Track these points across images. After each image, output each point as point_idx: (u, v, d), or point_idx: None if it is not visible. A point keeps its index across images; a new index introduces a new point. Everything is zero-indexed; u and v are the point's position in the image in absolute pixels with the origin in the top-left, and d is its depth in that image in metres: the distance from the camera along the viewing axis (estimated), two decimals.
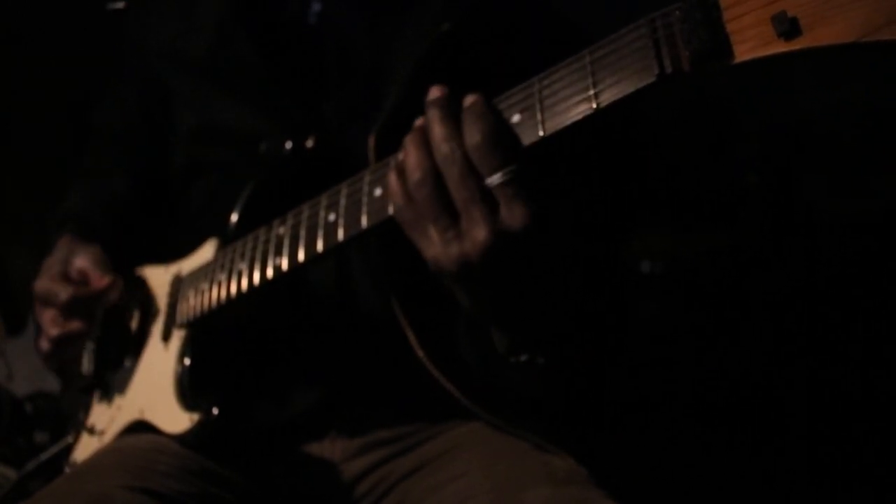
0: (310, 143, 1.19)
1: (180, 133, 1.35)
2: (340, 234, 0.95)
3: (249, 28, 1.28)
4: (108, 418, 1.28)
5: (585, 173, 1.09)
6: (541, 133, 0.76)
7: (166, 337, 1.23)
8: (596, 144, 0.99)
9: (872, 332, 1.41)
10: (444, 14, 1.16)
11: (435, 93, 0.84)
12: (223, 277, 1.13)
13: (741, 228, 1.32)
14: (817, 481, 1.42)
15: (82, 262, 1.30)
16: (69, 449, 1.35)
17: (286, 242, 1.04)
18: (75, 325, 1.27)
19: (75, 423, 1.36)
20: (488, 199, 0.77)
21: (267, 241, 1.07)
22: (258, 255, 1.08)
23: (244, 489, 1.13)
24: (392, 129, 1.09)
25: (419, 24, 1.18)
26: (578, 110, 0.72)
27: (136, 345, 1.29)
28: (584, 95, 0.72)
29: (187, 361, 1.18)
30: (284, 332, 1.22)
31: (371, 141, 1.08)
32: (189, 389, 1.16)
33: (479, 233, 0.77)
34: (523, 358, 0.90)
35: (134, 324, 1.31)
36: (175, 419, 1.15)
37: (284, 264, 1.03)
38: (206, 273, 1.19)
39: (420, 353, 1.06)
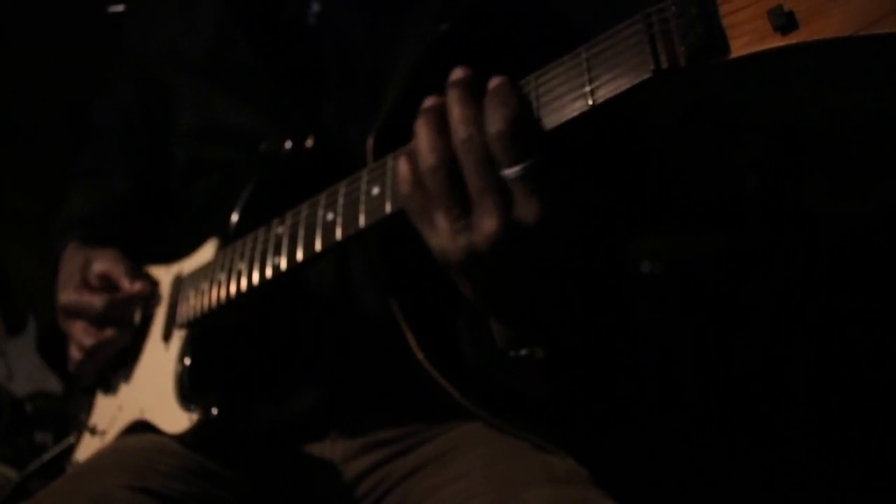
0: (309, 143, 1.19)
1: (180, 133, 1.35)
2: (338, 234, 0.95)
3: (248, 28, 1.28)
4: (109, 418, 1.28)
5: (589, 171, 1.09)
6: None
7: (167, 337, 1.23)
8: (597, 144, 0.99)
9: (872, 332, 1.40)
10: (443, 14, 1.16)
11: (458, 73, 0.80)
12: (223, 277, 1.13)
13: (741, 229, 1.31)
14: (817, 481, 1.42)
15: (102, 266, 1.28)
16: (71, 449, 1.35)
17: (285, 242, 1.04)
18: (109, 332, 1.25)
19: (77, 423, 1.37)
20: (503, 190, 0.74)
21: (266, 241, 1.07)
22: (257, 255, 1.08)
23: (245, 489, 1.13)
24: (391, 130, 1.09)
25: (419, 25, 1.18)
26: (574, 107, 0.72)
27: (137, 345, 1.29)
28: (580, 92, 0.71)
29: (187, 361, 1.18)
30: (285, 332, 1.22)
31: (370, 142, 1.07)
32: (189, 389, 1.16)
33: (490, 224, 0.74)
34: (523, 352, 0.89)
35: (135, 323, 1.31)
36: (175, 419, 1.15)
37: (283, 264, 1.03)
38: (206, 273, 1.19)
39: (419, 355, 1.06)
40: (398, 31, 1.21)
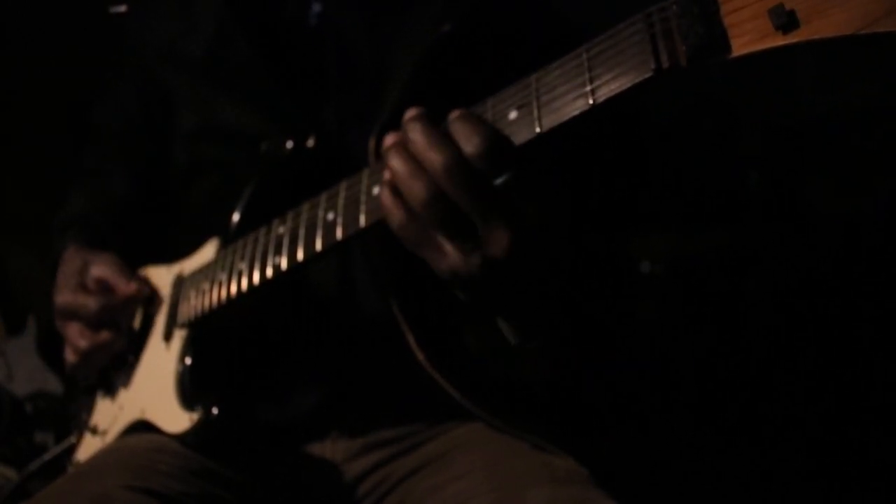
0: (310, 144, 1.19)
1: (181, 133, 1.35)
2: (339, 233, 0.95)
3: (249, 29, 1.29)
4: (110, 418, 1.28)
5: (589, 168, 1.09)
6: (538, 129, 0.75)
7: (168, 337, 1.23)
8: (600, 140, 0.99)
9: (873, 331, 1.40)
10: (444, 15, 1.16)
11: (411, 112, 0.82)
12: (224, 277, 1.13)
13: (741, 228, 1.31)
14: (818, 482, 1.41)
15: (99, 270, 1.28)
16: (72, 449, 1.35)
17: (285, 242, 1.04)
18: (104, 335, 1.26)
19: (78, 423, 1.37)
20: (500, 202, 0.75)
21: (267, 241, 1.07)
22: (258, 255, 1.08)
23: (245, 489, 1.13)
24: (392, 130, 1.10)
25: (419, 25, 1.18)
26: (575, 106, 0.72)
27: (137, 344, 1.29)
28: (580, 91, 0.71)
29: (188, 361, 1.18)
30: (286, 332, 1.22)
31: (371, 142, 1.08)
32: (190, 389, 1.16)
33: (502, 236, 0.75)
34: (536, 343, 0.89)
35: (136, 323, 1.31)
36: (176, 419, 1.15)
37: (284, 263, 1.03)
38: (207, 273, 1.19)
39: (419, 356, 1.06)
40: (399, 32, 1.21)
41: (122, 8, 1.54)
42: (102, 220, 1.44)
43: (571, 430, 1.11)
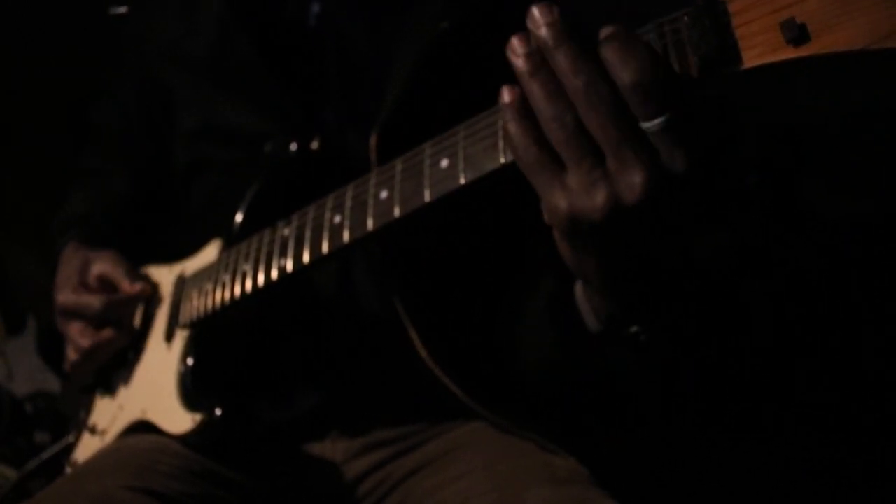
0: (315, 145, 1.19)
1: (181, 133, 1.35)
2: (346, 236, 0.95)
3: (249, 29, 1.29)
4: (109, 418, 1.28)
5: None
6: None
7: (169, 337, 1.23)
8: None
9: (873, 332, 1.41)
10: (444, 13, 1.16)
11: (553, 24, 0.66)
12: (227, 278, 1.14)
13: (740, 229, 1.32)
14: (818, 482, 1.43)
15: (101, 268, 1.28)
16: (70, 448, 1.35)
17: (291, 244, 1.04)
18: (107, 333, 1.26)
19: (76, 422, 1.37)
20: (644, 140, 0.64)
21: (272, 243, 1.08)
22: (262, 257, 1.08)
23: (246, 490, 1.13)
24: (393, 129, 1.10)
25: (419, 24, 1.19)
26: None
27: (138, 344, 1.29)
28: None
29: (190, 362, 1.18)
30: (286, 332, 1.22)
31: (373, 140, 1.08)
32: (192, 390, 1.16)
33: (636, 177, 0.64)
34: (633, 329, 0.84)
35: (136, 323, 1.31)
36: (177, 419, 1.15)
37: (289, 266, 1.04)
38: (210, 274, 1.19)
39: (423, 353, 1.06)
40: (399, 31, 1.21)
41: (123, 8, 1.53)
42: (102, 219, 1.44)
43: (573, 429, 1.11)
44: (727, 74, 0.62)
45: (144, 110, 1.42)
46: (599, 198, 0.66)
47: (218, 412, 1.12)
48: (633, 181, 0.64)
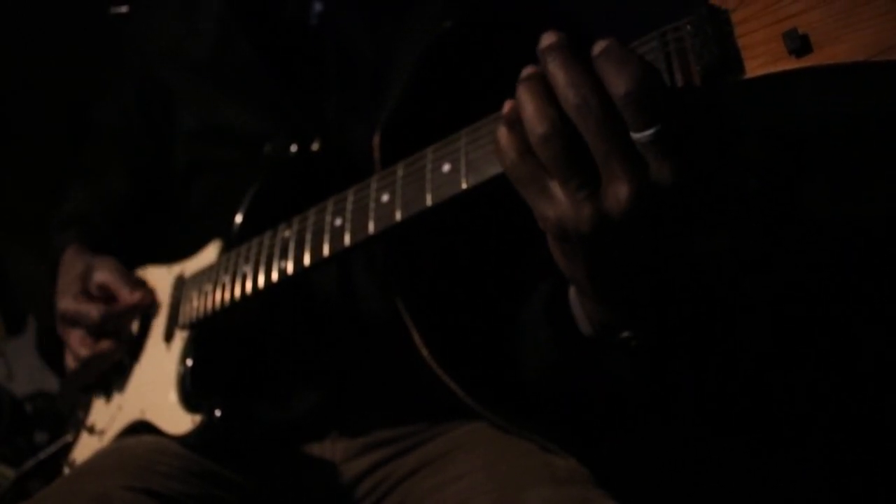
0: (315, 147, 1.19)
1: (181, 133, 1.35)
2: (347, 240, 0.95)
3: (250, 29, 1.28)
4: (108, 418, 1.28)
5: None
6: None
7: (168, 337, 1.23)
8: None
9: (873, 334, 1.42)
10: (445, 12, 1.16)
11: (551, 37, 0.70)
12: (227, 280, 1.14)
13: (741, 232, 1.32)
14: (818, 482, 1.43)
15: (102, 276, 1.28)
16: (68, 448, 1.35)
17: (291, 246, 1.04)
18: (105, 343, 1.26)
19: (75, 422, 1.36)
20: (632, 153, 0.66)
21: (272, 245, 1.08)
22: (263, 259, 1.08)
23: (245, 490, 1.13)
24: (396, 128, 1.10)
25: (420, 23, 1.19)
26: None
27: (136, 345, 1.29)
28: None
29: (189, 362, 1.18)
30: (286, 332, 1.22)
31: (376, 140, 1.08)
32: (191, 391, 1.17)
33: (622, 190, 0.66)
34: (626, 334, 0.84)
35: (135, 324, 1.31)
36: (177, 420, 1.15)
37: (290, 268, 1.04)
38: (209, 275, 1.19)
39: (424, 352, 1.07)
40: (400, 31, 1.21)
41: (123, 8, 1.53)
42: (101, 219, 1.44)
43: (574, 429, 1.12)
44: (729, 84, 0.62)
45: (144, 110, 1.42)
46: (587, 210, 0.68)
47: (217, 413, 1.12)
48: (619, 193, 0.66)
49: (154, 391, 1.21)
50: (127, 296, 1.26)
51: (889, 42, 0.52)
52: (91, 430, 1.31)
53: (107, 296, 1.28)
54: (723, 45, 0.61)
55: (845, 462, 1.45)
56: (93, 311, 1.24)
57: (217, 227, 1.23)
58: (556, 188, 0.70)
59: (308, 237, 1.02)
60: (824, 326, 1.43)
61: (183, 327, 1.21)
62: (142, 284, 1.30)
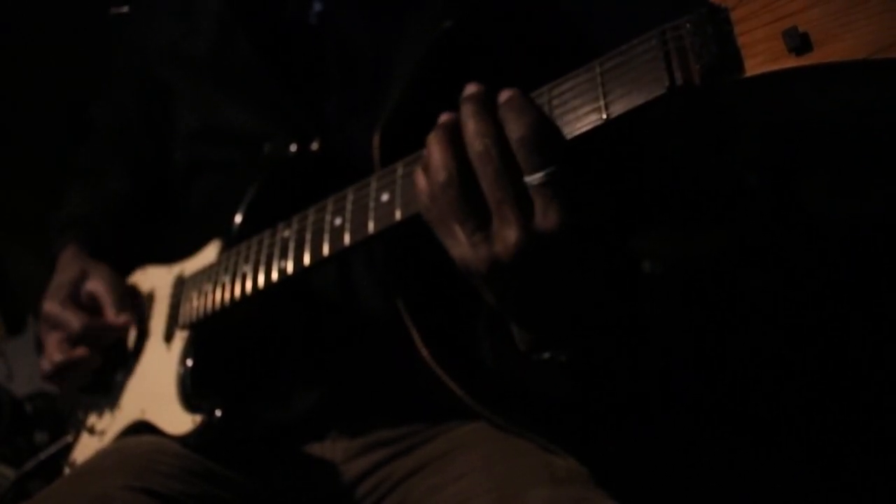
0: (315, 147, 1.19)
1: (181, 133, 1.35)
2: (347, 239, 0.95)
3: (250, 29, 1.28)
4: (108, 418, 1.28)
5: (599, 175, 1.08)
6: None
7: (168, 338, 1.23)
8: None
9: (873, 332, 1.41)
10: (445, 12, 1.16)
11: (471, 88, 0.79)
12: (227, 279, 1.14)
13: (741, 229, 1.32)
14: (818, 482, 1.43)
15: (94, 285, 1.28)
16: (68, 448, 1.35)
17: (291, 246, 1.04)
18: (80, 352, 1.25)
19: (75, 422, 1.36)
20: (522, 200, 0.74)
21: (272, 245, 1.08)
22: (262, 258, 1.08)
23: (246, 490, 1.13)
24: (396, 128, 1.10)
25: (420, 23, 1.19)
26: (588, 120, 0.73)
27: (137, 345, 1.29)
28: (594, 106, 0.72)
29: (190, 363, 1.18)
30: (286, 332, 1.22)
31: (376, 140, 1.08)
32: (191, 391, 1.16)
33: (510, 234, 0.74)
34: (546, 355, 0.89)
35: (135, 324, 1.31)
36: (177, 420, 1.15)
37: (290, 267, 1.04)
38: (209, 275, 1.19)
39: (424, 352, 1.07)
40: (400, 30, 1.21)
41: (124, 8, 1.53)
42: (101, 219, 1.44)
43: (573, 429, 1.11)
44: (729, 82, 0.62)
45: (144, 110, 1.42)
46: (482, 251, 0.76)
47: (218, 413, 1.12)
48: (508, 237, 0.74)
49: (154, 391, 1.21)
50: (112, 316, 1.25)
51: (888, 40, 0.52)
52: (91, 431, 1.31)
53: (94, 306, 1.28)
54: (722, 44, 0.61)
55: (844, 462, 1.44)
56: (75, 321, 1.24)
57: (217, 227, 1.23)
58: (458, 231, 0.77)
59: (308, 237, 1.01)
60: (823, 322, 1.43)
61: (183, 327, 1.21)
62: (130, 303, 1.28)
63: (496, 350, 1.05)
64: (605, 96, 0.71)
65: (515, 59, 1.16)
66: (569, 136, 0.74)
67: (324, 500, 1.17)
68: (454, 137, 0.77)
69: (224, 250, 1.20)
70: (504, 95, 0.77)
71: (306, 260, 1.01)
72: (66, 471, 1.32)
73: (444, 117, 0.81)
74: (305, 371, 1.21)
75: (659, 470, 1.39)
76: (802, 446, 1.46)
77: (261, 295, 1.09)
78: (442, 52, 1.15)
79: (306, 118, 1.22)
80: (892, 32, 0.52)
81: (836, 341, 1.43)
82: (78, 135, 1.55)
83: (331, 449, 1.19)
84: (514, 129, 0.74)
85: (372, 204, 0.92)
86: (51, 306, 1.27)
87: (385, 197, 0.90)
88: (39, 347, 1.43)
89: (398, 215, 0.88)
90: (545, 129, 0.73)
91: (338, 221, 0.97)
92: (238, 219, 1.20)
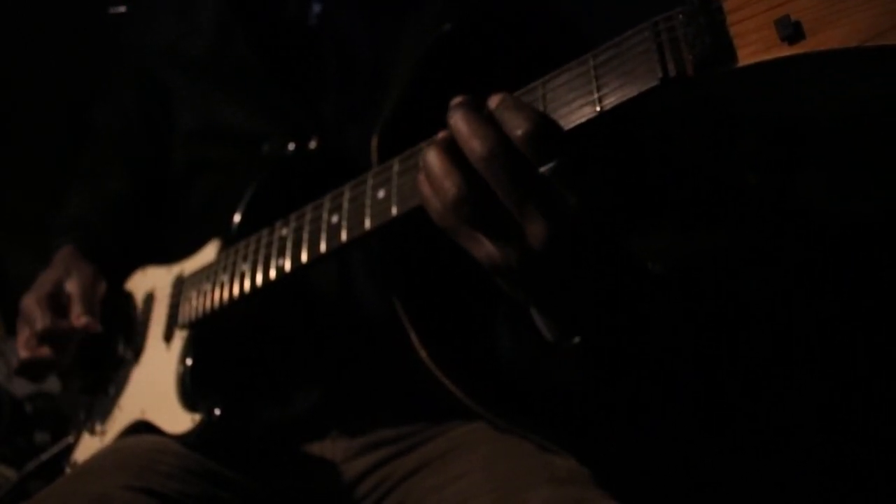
0: (313, 146, 1.19)
1: (180, 133, 1.35)
2: (344, 236, 0.95)
3: (249, 29, 1.29)
4: (109, 418, 1.28)
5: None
6: None
7: (168, 337, 1.23)
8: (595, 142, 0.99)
9: (873, 332, 1.41)
10: (444, 14, 1.17)
11: (457, 99, 0.78)
12: (226, 278, 1.14)
13: (741, 228, 1.32)
14: (818, 483, 1.42)
15: (70, 287, 1.28)
16: (70, 449, 1.35)
17: (289, 244, 1.04)
18: (44, 351, 1.25)
19: (76, 422, 1.37)
20: (541, 193, 0.73)
21: (270, 243, 1.08)
22: (261, 257, 1.08)
23: (246, 489, 1.13)
24: (394, 129, 1.10)
25: (420, 24, 1.19)
26: (582, 113, 0.72)
27: (136, 345, 1.29)
28: (588, 99, 0.72)
29: (189, 362, 1.18)
30: (285, 331, 1.22)
31: (374, 141, 1.08)
32: (191, 390, 1.17)
33: (539, 229, 0.73)
34: (576, 339, 0.87)
35: (134, 324, 1.31)
36: (177, 420, 1.15)
37: (287, 265, 1.04)
38: (208, 274, 1.19)
39: (422, 354, 1.06)
40: (399, 31, 1.22)
41: (122, 8, 1.54)
42: (100, 221, 1.44)
43: (574, 429, 1.11)
44: (722, 73, 0.61)
45: (143, 110, 1.43)
46: (513, 253, 0.75)
47: (217, 412, 1.12)
48: (538, 231, 0.73)
49: (154, 391, 1.21)
50: (74, 318, 1.25)
51: (881, 27, 0.51)
52: (92, 431, 1.31)
53: (64, 309, 1.28)
54: (715, 34, 0.61)
55: (844, 462, 1.44)
56: (39, 319, 1.24)
57: (216, 227, 1.23)
58: (482, 239, 0.76)
59: (305, 235, 1.02)
60: (823, 321, 1.42)
61: (182, 327, 1.21)
62: (98, 307, 1.28)
63: (516, 342, 1.03)
64: (598, 90, 0.71)
65: (514, 62, 1.17)
66: (564, 129, 0.73)
67: (324, 499, 1.17)
68: (450, 146, 0.75)
69: (223, 249, 1.20)
70: (496, 99, 0.76)
71: (304, 258, 1.02)
72: (68, 471, 1.32)
73: (441, 134, 0.78)
74: (305, 370, 1.21)
75: (659, 470, 1.38)
76: (802, 446, 1.45)
77: (259, 294, 1.09)
78: (441, 55, 1.15)
79: (305, 118, 1.23)
80: (884, 19, 0.51)
81: (836, 341, 1.43)
82: (78, 135, 1.56)
83: (331, 448, 1.19)
84: (516, 125, 0.72)
85: (368, 201, 0.92)
86: (27, 301, 1.28)
87: (381, 194, 0.90)
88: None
89: (394, 211, 0.88)
90: (546, 120, 0.73)
91: (335, 219, 0.97)
92: (237, 218, 1.20)
